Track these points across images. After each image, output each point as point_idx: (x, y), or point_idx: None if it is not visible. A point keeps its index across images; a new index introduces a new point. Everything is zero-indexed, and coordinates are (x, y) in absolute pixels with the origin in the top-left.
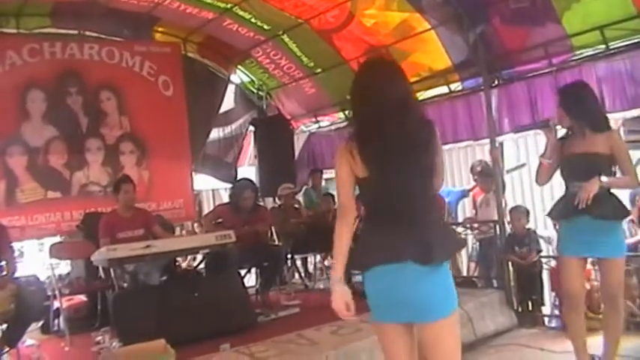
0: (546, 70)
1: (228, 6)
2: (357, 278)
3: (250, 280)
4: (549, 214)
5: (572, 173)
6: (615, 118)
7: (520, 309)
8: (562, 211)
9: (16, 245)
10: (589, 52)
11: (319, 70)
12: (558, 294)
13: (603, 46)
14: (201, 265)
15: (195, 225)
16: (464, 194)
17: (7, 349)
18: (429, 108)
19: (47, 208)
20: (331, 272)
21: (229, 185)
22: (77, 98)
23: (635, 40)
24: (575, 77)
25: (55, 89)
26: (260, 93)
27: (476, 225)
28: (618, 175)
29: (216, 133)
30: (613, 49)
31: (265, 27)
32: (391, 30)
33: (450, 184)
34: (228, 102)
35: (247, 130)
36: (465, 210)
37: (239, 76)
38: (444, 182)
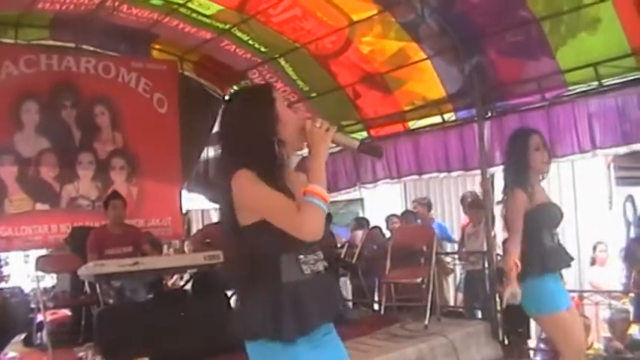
0: (539, 105)
1: (227, 27)
2: None
3: None
4: (549, 270)
5: (551, 223)
6: (606, 155)
7: (506, 341)
8: (560, 261)
9: (1, 255)
10: (582, 87)
11: (314, 94)
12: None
13: (596, 83)
14: (188, 285)
15: (185, 244)
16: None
17: None
18: (421, 137)
19: (35, 219)
20: None
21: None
22: (71, 111)
23: (628, 78)
24: (567, 112)
25: (50, 101)
26: None
27: (464, 256)
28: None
29: (209, 153)
30: (606, 85)
31: (262, 49)
32: (387, 58)
33: (440, 212)
34: None
35: None
36: None
37: None
38: None
